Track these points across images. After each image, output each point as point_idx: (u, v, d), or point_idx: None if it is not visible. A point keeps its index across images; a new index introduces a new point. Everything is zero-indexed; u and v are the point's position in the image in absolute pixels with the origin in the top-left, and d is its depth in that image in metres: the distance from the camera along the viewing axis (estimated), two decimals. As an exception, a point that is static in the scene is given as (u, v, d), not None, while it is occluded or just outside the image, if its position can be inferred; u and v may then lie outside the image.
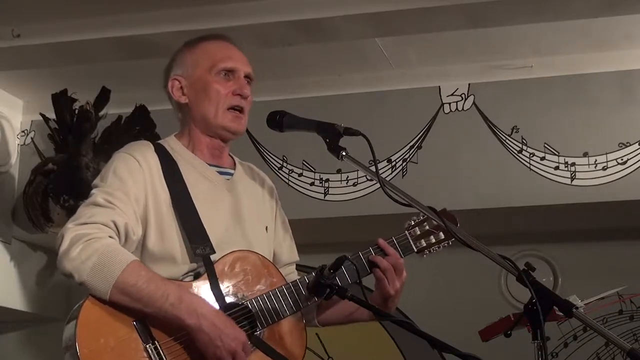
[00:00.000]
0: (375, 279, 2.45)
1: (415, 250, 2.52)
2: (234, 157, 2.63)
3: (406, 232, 2.52)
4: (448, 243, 2.54)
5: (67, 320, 2.24)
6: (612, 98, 4.42)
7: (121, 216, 2.31)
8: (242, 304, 2.34)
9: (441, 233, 2.53)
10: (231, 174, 2.56)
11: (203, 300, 2.27)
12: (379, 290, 2.45)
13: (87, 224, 2.28)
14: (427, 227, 2.53)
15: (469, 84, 4.60)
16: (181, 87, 2.53)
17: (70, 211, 4.56)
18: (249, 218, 2.51)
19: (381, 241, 2.47)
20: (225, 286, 2.34)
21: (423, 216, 2.51)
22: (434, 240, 2.53)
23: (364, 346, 4.91)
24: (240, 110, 2.51)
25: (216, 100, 2.48)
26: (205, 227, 2.39)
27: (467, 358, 1.99)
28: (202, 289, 2.32)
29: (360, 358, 4.96)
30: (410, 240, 2.51)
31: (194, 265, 2.37)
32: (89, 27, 4.03)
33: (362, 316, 2.52)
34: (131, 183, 2.37)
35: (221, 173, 2.53)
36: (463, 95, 4.60)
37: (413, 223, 2.54)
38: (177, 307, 2.21)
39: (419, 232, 2.53)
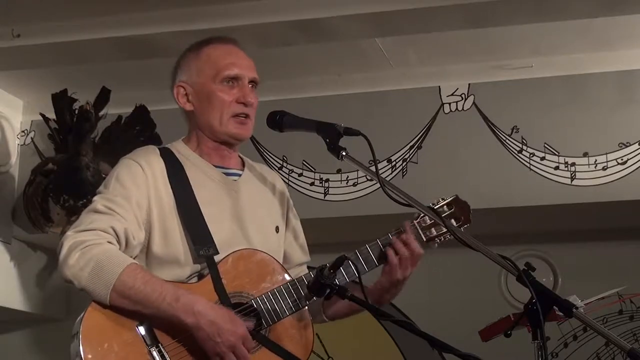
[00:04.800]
0: (387, 264, 2.44)
1: (425, 240, 2.51)
2: (244, 158, 2.63)
3: (414, 222, 2.50)
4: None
5: (73, 328, 2.25)
6: (612, 98, 4.42)
7: (120, 222, 2.32)
8: (247, 302, 2.35)
9: (452, 221, 2.51)
10: (239, 175, 2.56)
11: (200, 298, 2.27)
12: (389, 276, 2.44)
13: (85, 230, 2.29)
14: None
15: (469, 84, 4.60)
16: (186, 94, 2.53)
17: (70, 211, 4.57)
18: (255, 218, 2.51)
19: (407, 227, 2.45)
20: (230, 285, 2.34)
21: (434, 204, 2.51)
22: (444, 229, 2.50)
23: (364, 346, 4.90)
24: (245, 116, 2.51)
25: (220, 109, 2.48)
26: (210, 229, 2.40)
27: (467, 358, 1.99)
28: (206, 289, 2.32)
29: (360, 358, 4.96)
30: (420, 230, 2.50)
31: (198, 266, 2.38)
32: (89, 27, 4.03)
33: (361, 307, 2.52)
34: (133, 188, 2.38)
35: (228, 174, 2.53)
36: (463, 95, 4.60)
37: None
38: (174, 306, 2.22)
39: (428, 222, 2.51)
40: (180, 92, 2.53)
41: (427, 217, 2.50)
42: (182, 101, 2.53)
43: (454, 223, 2.52)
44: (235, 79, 2.50)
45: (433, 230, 2.52)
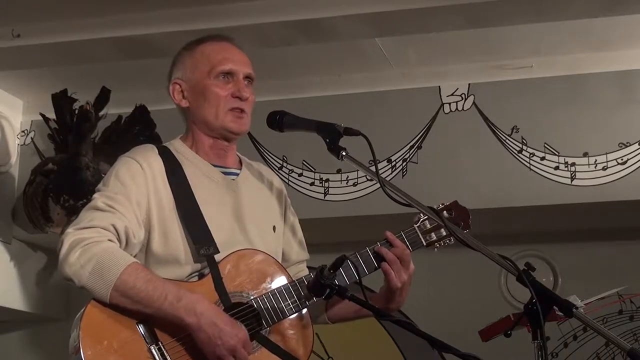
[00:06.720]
0: (383, 273, 2.44)
1: (425, 244, 2.51)
2: (241, 157, 2.63)
3: (414, 226, 2.51)
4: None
5: (72, 325, 2.25)
6: (612, 98, 4.42)
7: (121, 219, 2.32)
8: (247, 302, 2.34)
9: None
10: (237, 174, 2.56)
11: (202, 299, 2.26)
12: (387, 284, 2.44)
13: (86, 228, 2.29)
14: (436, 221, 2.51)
15: (469, 84, 4.60)
16: (182, 91, 2.53)
17: (70, 211, 4.57)
18: (254, 218, 2.50)
19: (389, 234, 2.45)
20: (230, 285, 2.34)
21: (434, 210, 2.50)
22: (444, 234, 2.50)
23: (364, 346, 4.91)
24: (240, 111, 2.51)
25: (216, 104, 2.48)
26: (210, 228, 2.39)
27: (467, 358, 1.99)
28: (207, 288, 2.31)
29: (360, 358, 4.96)
30: (419, 234, 2.50)
31: (199, 265, 2.38)
32: (89, 27, 4.03)
33: (369, 312, 2.51)
34: (133, 187, 2.38)
35: (226, 173, 2.53)
36: (463, 95, 4.60)
37: (423, 217, 2.51)
38: (175, 306, 2.21)
39: (428, 226, 2.51)
40: (175, 89, 2.54)
41: (427, 222, 2.51)
42: (178, 98, 2.54)
43: None
44: (229, 74, 2.51)
45: (433, 234, 2.52)
